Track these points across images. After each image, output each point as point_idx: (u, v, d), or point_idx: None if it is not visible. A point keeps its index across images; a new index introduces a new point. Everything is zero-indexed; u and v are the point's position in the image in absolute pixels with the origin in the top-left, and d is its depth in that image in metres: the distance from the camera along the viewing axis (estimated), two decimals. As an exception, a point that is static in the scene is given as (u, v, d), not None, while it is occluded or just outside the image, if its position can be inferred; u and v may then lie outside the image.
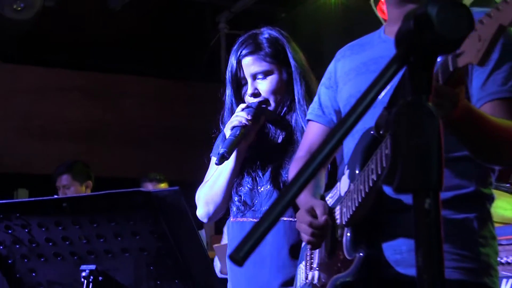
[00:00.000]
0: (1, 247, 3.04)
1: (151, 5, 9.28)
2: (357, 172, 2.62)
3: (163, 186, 7.68)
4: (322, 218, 2.71)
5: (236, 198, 3.61)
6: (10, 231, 2.99)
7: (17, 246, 3.01)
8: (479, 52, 1.91)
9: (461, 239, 2.59)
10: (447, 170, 2.54)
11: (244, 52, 3.59)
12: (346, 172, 2.74)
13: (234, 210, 3.63)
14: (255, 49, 3.59)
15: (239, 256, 1.21)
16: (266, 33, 3.65)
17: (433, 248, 1.31)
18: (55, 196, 2.82)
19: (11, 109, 9.88)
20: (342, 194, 2.75)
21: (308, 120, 3.14)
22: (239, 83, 3.64)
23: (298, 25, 9.80)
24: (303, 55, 3.70)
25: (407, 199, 2.62)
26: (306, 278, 2.98)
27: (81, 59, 10.43)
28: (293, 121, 3.61)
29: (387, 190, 2.63)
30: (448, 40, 1.30)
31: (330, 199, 2.87)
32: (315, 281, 2.86)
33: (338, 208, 2.76)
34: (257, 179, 3.64)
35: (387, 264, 2.63)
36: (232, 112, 3.62)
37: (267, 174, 3.61)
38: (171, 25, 9.76)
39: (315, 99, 3.13)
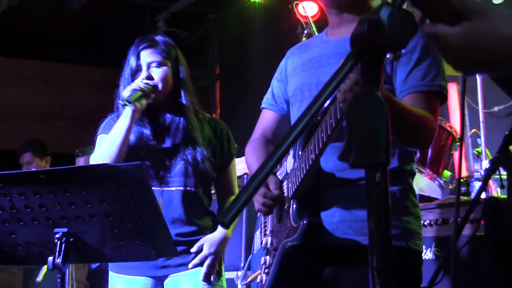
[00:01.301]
0: (-15, 213, 2.97)
1: (101, 6, 9.19)
2: (299, 152, 2.64)
3: None
4: (275, 191, 2.73)
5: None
6: (-7, 199, 2.93)
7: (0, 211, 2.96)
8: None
9: None
10: None
11: (143, 45, 3.76)
12: (291, 152, 2.76)
13: None
14: (153, 44, 3.77)
15: (226, 220, 1.21)
16: (161, 37, 3.86)
17: (383, 214, 1.32)
18: (33, 169, 2.79)
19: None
20: (288, 171, 2.77)
21: (263, 108, 3.17)
22: (135, 72, 3.76)
23: (225, 25, 9.79)
24: (186, 63, 3.90)
25: (340, 174, 2.68)
26: (261, 243, 2.99)
27: (40, 51, 10.30)
28: (182, 108, 3.78)
29: (324, 167, 2.67)
30: (397, 41, 1.31)
31: (279, 175, 2.89)
32: (268, 245, 2.88)
33: (285, 183, 2.78)
34: (164, 154, 3.75)
35: (325, 231, 2.66)
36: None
37: (173, 151, 3.74)
38: (117, 23, 9.70)
39: (269, 90, 3.17)
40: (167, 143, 3.78)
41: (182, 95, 3.79)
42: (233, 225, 3.86)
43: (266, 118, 3.14)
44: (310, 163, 2.49)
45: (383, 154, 1.32)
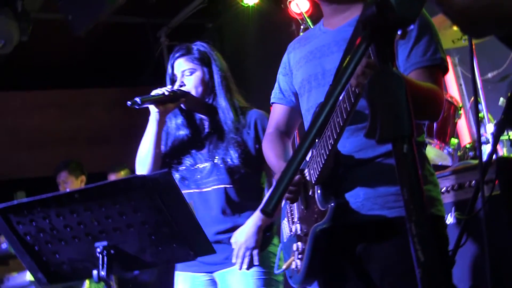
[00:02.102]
0: (28, 237, 2.98)
1: (104, 29, 9.18)
2: (316, 140, 2.63)
3: (123, 173, 7.62)
4: (299, 179, 2.73)
5: (177, 175, 3.70)
6: (34, 223, 2.94)
7: (41, 234, 2.96)
8: None
9: None
10: None
11: (177, 55, 3.79)
12: None
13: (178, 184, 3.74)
14: (186, 53, 3.80)
15: (269, 209, 1.20)
16: (197, 43, 3.86)
17: (415, 183, 1.31)
18: (68, 189, 2.80)
19: (1, 127, 9.74)
20: (307, 159, 2.75)
21: (272, 103, 3.16)
22: (173, 82, 3.80)
23: (223, 32, 9.76)
24: (225, 64, 3.91)
25: (359, 155, 2.66)
26: (291, 231, 2.98)
27: (53, 80, 10.33)
28: (219, 109, 3.77)
29: (342, 150, 2.66)
30: (406, 17, 1.30)
31: None
32: (299, 232, 2.87)
33: (306, 171, 2.77)
34: (198, 156, 3.71)
35: (352, 210, 2.65)
36: None
37: (207, 152, 3.71)
38: (122, 44, 9.72)
39: (276, 85, 3.16)
40: (203, 145, 3.79)
41: (218, 97, 3.78)
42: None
43: (277, 112, 3.14)
44: (330, 148, 2.48)
45: (407, 125, 1.31)
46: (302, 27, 5.49)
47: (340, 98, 2.32)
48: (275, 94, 3.15)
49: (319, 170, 2.60)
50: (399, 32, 1.32)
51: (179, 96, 3.70)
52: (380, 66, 1.33)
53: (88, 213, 2.89)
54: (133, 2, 7.43)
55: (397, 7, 1.28)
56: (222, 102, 3.77)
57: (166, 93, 3.66)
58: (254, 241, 3.59)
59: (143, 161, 3.69)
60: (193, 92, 3.74)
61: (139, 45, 9.66)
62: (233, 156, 3.68)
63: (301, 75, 2.93)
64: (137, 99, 3.59)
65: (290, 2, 5.95)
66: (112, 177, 7.64)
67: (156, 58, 9.88)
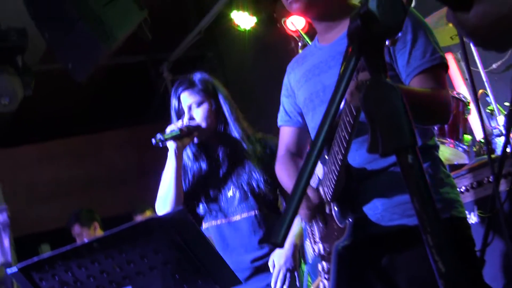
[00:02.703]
0: (52, 292, 2.96)
1: (107, 71, 9.23)
2: (326, 157, 2.60)
3: (149, 213, 7.61)
4: (315, 200, 2.70)
5: (202, 208, 3.67)
6: (56, 278, 2.91)
7: (65, 287, 2.93)
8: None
9: None
10: None
11: (181, 89, 3.76)
12: None
13: (205, 216, 3.71)
14: (190, 86, 3.76)
15: (279, 240, 1.17)
16: (197, 75, 3.83)
17: (425, 193, 1.28)
18: (85, 240, 2.79)
19: (17, 182, 9.79)
20: (320, 177, 2.73)
21: (280, 126, 3.15)
22: (179, 115, 3.76)
23: (223, 59, 9.79)
24: (227, 91, 3.91)
25: (371, 166, 2.63)
26: (314, 251, 2.95)
27: (63, 129, 10.39)
28: (231, 135, 3.75)
29: (353, 163, 2.63)
30: (391, 26, 1.28)
31: (312, 183, 2.85)
32: (322, 252, 2.83)
33: (320, 188, 2.74)
34: (222, 186, 3.69)
35: (372, 223, 2.61)
36: None
37: (229, 181, 3.68)
38: (126, 83, 9.76)
39: (281, 108, 3.14)
40: (224, 175, 3.77)
41: (230, 125, 3.76)
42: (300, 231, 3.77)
43: (286, 134, 3.12)
44: (340, 163, 2.45)
45: (409, 135, 1.28)
46: (300, 44, 5.48)
47: (342, 111, 2.30)
48: (281, 117, 3.13)
49: (333, 186, 2.57)
50: (387, 42, 1.30)
51: (192, 130, 3.69)
52: (372, 78, 1.31)
53: (110, 261, 2.86)
54: (131, 42, 7.46)
55: (380, 17, 1.26)
56: (234, 130, 3.76)
57: (182, 127, 3.65)
58: (293, 262, 3.56)
59: (165, 199, 3.67)
60: (203, 125, 3.72)
61: (142, 83, 9.71)
62: (259, 180, 3.66)
63: (303, 94, 2.91)
64: (161, 137, 3.59)
65: (285, 21, 5.94)
66: (139, 218, 7.61)
67: (161, 94, 9.92)
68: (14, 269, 2.87)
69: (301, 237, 3.69)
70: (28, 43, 6.61)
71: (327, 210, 2.72)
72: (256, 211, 3.68)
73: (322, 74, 2.81)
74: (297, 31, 5.48)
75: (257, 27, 8.12)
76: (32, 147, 10.33)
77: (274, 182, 3.67)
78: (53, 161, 10.23)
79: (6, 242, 7.05)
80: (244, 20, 7.97)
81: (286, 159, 3.06)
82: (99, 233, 7.52)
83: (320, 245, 2.84)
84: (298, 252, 3.59)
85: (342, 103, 1.72)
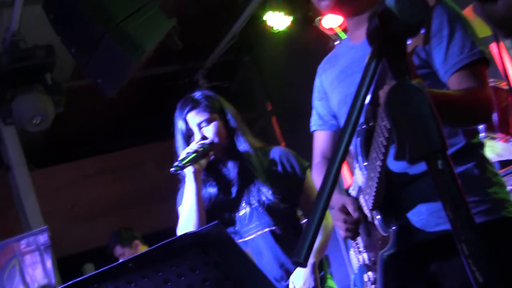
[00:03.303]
0: (89, 317, 2.96)
1: (140, 84, 9.27)
2: (365, 164, 2.56)
3: None
4: (355, 214, 2.67)
5: None
6: (93, 301, 2.92)
7: (102, 311, 2.94)
8: (420, 34, 1.84)
9: (469, 188, 2.52)
10: None
11: (186, 109, 3.74)
12: (356, 165, 2.69)
13: None
14: (195, 104, 3.75)
15: (301, 259, 1.15)
16: (199, 93, 3.84)
17: (458, 200, 1.25)
18: (121, 260, 2.81)
19: (55, 204, 9.89)
20: (360, 185, 2.69)
21: (314, 131, 3.12)
22: (189, 137, 3.75)
23: (260, 63, 9.78)
24: (232, 106, 3.90)
25: (413, 170, 2.59)
26: (359, 261, 2.92)
27: (96, 146, 10.48)
28: (240, 154, 3.76)
29: (393, 169, 2.60)
30: (412, 24, 1.25)
31: (352, 191, 2.82)
32: (367, 261, 2.80)
33: (361, 197, 2.70)
34: (234, 206, 3.70)
35: (417, 229, 2.57)
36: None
37: (241, 199, 3.67)
38: (161, 95, 9.78)
39: (313, 112, 3.12)
40: (236, 194, 3.75)
41: (238, 140, 3.77)
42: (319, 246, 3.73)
43: (320, 140, 3.09)
44: (379, 169, 2.41)
45: (437, 139, 1.26)
46: (336, 42, 5.45)
47: (378, 116, 2.26)
48: (314, 121, 3.11)
49: (374, 194, 2.53)
50: (408, 42, 1.27)
51: (208, 149, 3.68)
52: (396, 80, 1.28)
53: (146, 281, 2.86)
54: (162, 51, 7.48)
55: (399, 15, 1.23)
56: (243, 145, 3.76)
57: (199, 148, 3.64)
58: (313, 281, 3.53)
59: (188, 224, 3.68)
60: (216, 140, 3.73)
61: (177, 93, 9.74)
62: (268, 195, 3.63)
63: (337, 96, 2.88)
64: (179, 163, 3.57)
65: (320, 19, 5.92)
66: None
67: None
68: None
69: (321, 252, 3.67)
70: (55, 60, 6.69)
71: (370, 219, 2.69)
72: (271, 227, 3.67)
73: (355, 75, 2.78)
74: (332, 29, 5.46)
75: (293, 27, 8.10)
76: (68, 166, 10.43)
77: (286, 194, 3.66)
78: (90, 180, 10.32)
79: (49, 263, 7.12)
80: (278, 20, 7.95)
81: (322, 166, 3.04)
82: (142, 249, 7.57)
83: (365, 255, 2.81)
84: (317, 270, 3.56)
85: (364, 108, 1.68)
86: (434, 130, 1.25)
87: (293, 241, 3.67)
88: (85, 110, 9.34)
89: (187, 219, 3.65)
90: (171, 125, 3.88)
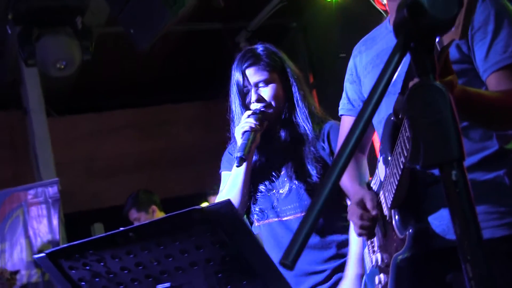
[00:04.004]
0: (83, 283, 2.99)
1: (174, 39, 9.27)
2: (389, 158, 2.54)
3: None
4: (373, 211, 2.65)
5: (254, 206, 3.62)
6: (87, 267, 2.94)
7: (97, 279, 2.96)
8: (458, 27, 1.81)
9: (497, 197, 2.50)
10: (470, 135, 2.47)
11: (246, 64, 3.64)
12: (381, 158, 2.67)
13: (255, 216, 3.64)
14: (256, 61, 3.65)
15: (289, 262, 1.14)
16: (261, 47, 3.72)
17: (468, 216, 1.23)
18: (121, 228, 2.80)
19: (74, 154, 9.98)
20: (382, 179, 2.67)
21: (341, 115, 3.10)
22: (244, 93, 3.66)
23: (307, 31, 9.74)
24: (295, 66, 3.78)
25: (438, 171, 2.55)
26: (372, 262, 2.91)
27: (124, 99, 10.48)
28: (297, 120, 3.63)
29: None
30: (442, 20, 1.23)
31: (374, 186, 2.80)
32: (379, 263, 2.79)
33: (381, 193, 2.69)
34: (274, 181, 3.64)
35: (436, 235, 2.55)
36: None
37: (283, 174, 3.62)
38: (198, 54, 9.78)
39: (343, 95, 3.09)
40: (280, 167, 3.69)
41: (297, 107, 3.68)
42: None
43: (347, 126, 3.07)
44: (402, 166, 2.39)
45: (455, 148, 1.23)
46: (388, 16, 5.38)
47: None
48: (343, 105, 3.09)
49: (394, 192, 2.51)
50: (437, 39, 1.25)
51: (263, 121, 3.60)
52: (419, 79, 1.26)
53: (146, 253, 2.87)
54: (205, 8, 7.45)
55: (430, 9, 1.21)
56: (301, 113, 3.67)
57: (255, 127, 3.55)
58: None
59: (234, 193, 3.61)
60: (273, 105, 3.64)
61: (216, 54, 9.71)
62: (312, 174, 3.57)
63: (369, 82, 2.86)
64: (241, 155, 3.50)
65: (376, -8, 5.86)
66: (213, 199, 7.54)
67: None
68: (41, 254, 2.92)
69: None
70: (89, 4, 6.70)
71: (387, 218, 2.67)
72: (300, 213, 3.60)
73: None
74: (385, 5, 5.40)
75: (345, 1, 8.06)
76: (93, 117, 10.43)
77: None
78: (114, 134, 10.33)
79: (55, 219, 7.21)
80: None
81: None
82: (158, 216, 7.58)
83: (379, 255, 2.79)
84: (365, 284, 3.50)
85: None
86: (453, 138, 1.23)
87: (334, 226, 3.60)
88: (116, 60, 9.36)
89: (228, 193, 3.61)
90: (206, 86, 3.81)
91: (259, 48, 3.73)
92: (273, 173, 3.68)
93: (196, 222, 2.79)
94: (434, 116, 1.24)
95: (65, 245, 2.94)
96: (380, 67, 2.75)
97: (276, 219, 3.60)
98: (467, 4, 1.82)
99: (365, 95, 2.93)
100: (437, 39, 1.29)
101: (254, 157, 3.70)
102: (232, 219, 2.80)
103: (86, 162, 10.13)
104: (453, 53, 2.51)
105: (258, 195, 3.66)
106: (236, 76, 3.68)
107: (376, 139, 3.00)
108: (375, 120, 2.84)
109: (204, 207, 2.85)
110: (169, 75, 10.13)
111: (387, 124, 2.60)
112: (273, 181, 3.67)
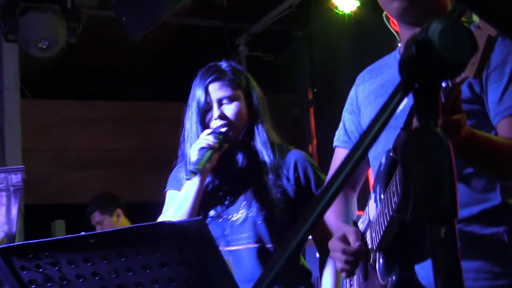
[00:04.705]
0: (33, 286, 2.97)
1: (170, 32, 9.25)
2: (382, 196, 2.54)
3: None
4: (355, 244, 2.65)
5: None
6: (40, 270, 2.93)
7: (49, 284, 2.95)
8: (474, 65, 1.80)
9: (492, 255, 2.50)
10: (472, 184, 2.47)
11: (210, 78, 3.65)
12: (372, 196, 2.66)
13: None
14: (221, 76, 3.67)
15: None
16: (225, 63, 3.76)
17: (453, 277, 1.22)
18: (82, 233, 2.78)
19: (45, 142, 9.90)
20: (371, 218, 2.67)
21: (335, 147, 3.10)
22: (204, 110, 3.67)
23: (314, 42, 9.74)
24: (260, 89, 3.80)
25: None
26: None
27: (107, 90, 10.44)
28: (255, 145, 3.66)
29: None
30: (452, 64, 1.22)
31: (361, 224, 2.80)
32: None
33: (368, 233, 2.69)
34: (228, 207, 3.63)
35: (421, 286, 2.54)
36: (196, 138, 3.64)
37: (240, 200, 3.61)
38: (194, 51, 9.74)
39: (340, 125, 3.10)
40: (236, 193, 3.68)
41: (258, 130, 3.71)
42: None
43: (341, 158, 3.05)
44: (394, 207, 2.39)
45: (448, 203, 1.23)
46: (399, 45, 5.39)
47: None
48: (339, 136, 3.09)
49: (381, 234, 2.51)
50: (443, 84, 1.25)
51: (222, 142, 3.61)
52: (419, 123, 1.26)
53: (105, 263, 2.86)
54: (206, 3, 7.45)
55: (440, 49, 1.21)
56: (260, 138, 3.69)
57: (213, 145, 3.56)
58: None
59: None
60: (237, 123, 3.66)
61: (213, 54, 9.70)
62: (274, 204, 3.56)
63: (369, 113, 2.86)
64: (194, 170, 3.53)
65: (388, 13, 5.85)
66: None
67: (233, 70, 9.92)
68: (-8, 250, 2.90)
69: None
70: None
71: (371, 260, 2.66)
72: (266, 243, 3.57)
73: None
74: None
75: (359, 13, 8.05)
76: (70, 104, 10.31)
77: (293, 207, 3.59)
78: (91, 125, 10.22)
79: (15, 210, 7.14)
80: (345, 1, 7.91)
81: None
82: (122, 222, 7.56)
83: None
84: None
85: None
86: (447, 191, 1.23)
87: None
88: (104, 46, 9.34)
89: (174, 213, 3.60)
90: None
91: (224, 64, 3.75)
92: (228, 198, 3.67)
93: (164, 236, 2.79)
94: (429, 165, 1.24)
95: (19, 243, 2.93)
96: (383, 98, 2.76)
97: (225, 248, 3.58)
98: (485, 42, 1.82)
99: (364, 127, 2.92)
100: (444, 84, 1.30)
101: (207, 178, 3.69)
102: (203, 238, 2.80)
103: (57, 152, 10.00)
104: (463, 91, 2.50)
105: (211, 221, 3.63)
106: (197, 91, 3.70)
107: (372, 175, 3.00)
108: (371, 155, 2.84)
109: (176, 222, 2.85)
110: (159, 70, 10.09)
111: (385, 159, 2.60)
112: (226, 207, 3.66)
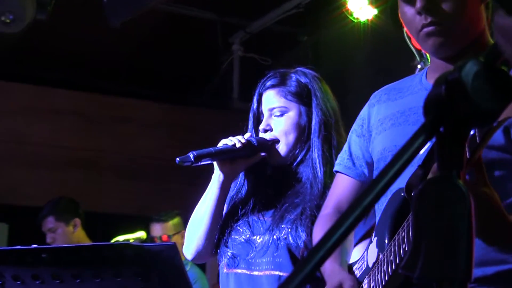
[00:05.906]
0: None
1: (156, 22, 9.22)
2: (386, 241, 2.56)
3: (171, 225, 7.37)
4: None
5: (227, 249, 3.63)
6: (-20, 283, 2.95)
7: (-13, 300, 2.97)
8: None
9: None
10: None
11: (267, 84, 3.69)
12: (374, 239, 2.68)
13: (225, 260, 3.65)
14: (279, 83, 3.67)
15: None
16: (299, 71, 3.76)
17: None
18: (34, 246, 2.77)
19: (-2, 131, 9.81)
20: (370, 265, 2.69)
21: (336, 171, 3.11)
22: (257, 118, 3.73)
23: (320, 50, 9.73)
24: (334, 103, 3.78)
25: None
26: None
27: (77, 79, 10.35)
28: (301, 173, 3.64)
29: None
30: (484, 111, 1.25)
31: (356, 270, 2.82)
32: None
33: (366, 281, 2.70)
34: (253, 227, 3.67)
35: None
36: None
37: (266, 223, 3.63)
38: (178, 45, 9.70)
39: (345, 147, 3.10)
40: (267, 213, 3.71)
41: (308, 154, 3.67)
42: None
43: (342, 186, 3.07)
44: (402, 255, 2.41)
45: (462, 266, 1.26)
46: (418, 66, 5.44)
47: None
48: (341, 160, 3.09)
49: (383, 283, 2.53)
50: (472, 132, 1.28)
51: (257, 149, 3.64)
52: (439, 172, 1.29)
53: (57, 283, 2.88)
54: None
55: (472, 93, 1.23)
56: (309, 165, 3.66)
57: (239, 144, 3.59)
58: None
59: (195, 230, 3.69)
60: (281, 142, 3.66)
61: (201, 51, 9.69)
62: (301, 235, 3.57)
63: (383, 142, 2.87)
64: (190, 155, 3.53)
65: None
66: (156, 227, 7.33)
67: (223, 72, 9.88)
68: None
69: None
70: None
71: None
72: (284, 273, 3.61)
73: (418, 124, 2.76)
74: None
75: (377, 21, 8.08)
76: (30, 90, 10.05)
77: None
78: (54, 117, 10.07)
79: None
80: (361, 8, 7.94)
81: (330, 220, 3.01)
82: (78, 234, 7.50)
83: None
84: None
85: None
86: (463, 252, 1.25)
87: None
88: (78, 28, 9.28)
89: (197, 226, 3.68)
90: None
91: (294, 72, 3.76)
92: (259, 217, 3.69)
93: (128, 260, 2.80)
94: (445, 221, 1.26)
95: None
96: (401, 127, 2.77)
97: (246, 272, 3.60)
98: None
99: (373, 156, 2.93)
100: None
101: (233, 190, 3.77)
102: (172, 267, 2.82)
103: (10, 143, 9.84)
104: (497, 136, 2.46)
105: (236, 239, 3.66)
106: (254, 99, 3.76)
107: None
108: None
109: (143, 246, 2.87)
110: (139, 63, 10.02)
111: (394, 199, 2.62)
112: (255, 225, 3.67)
